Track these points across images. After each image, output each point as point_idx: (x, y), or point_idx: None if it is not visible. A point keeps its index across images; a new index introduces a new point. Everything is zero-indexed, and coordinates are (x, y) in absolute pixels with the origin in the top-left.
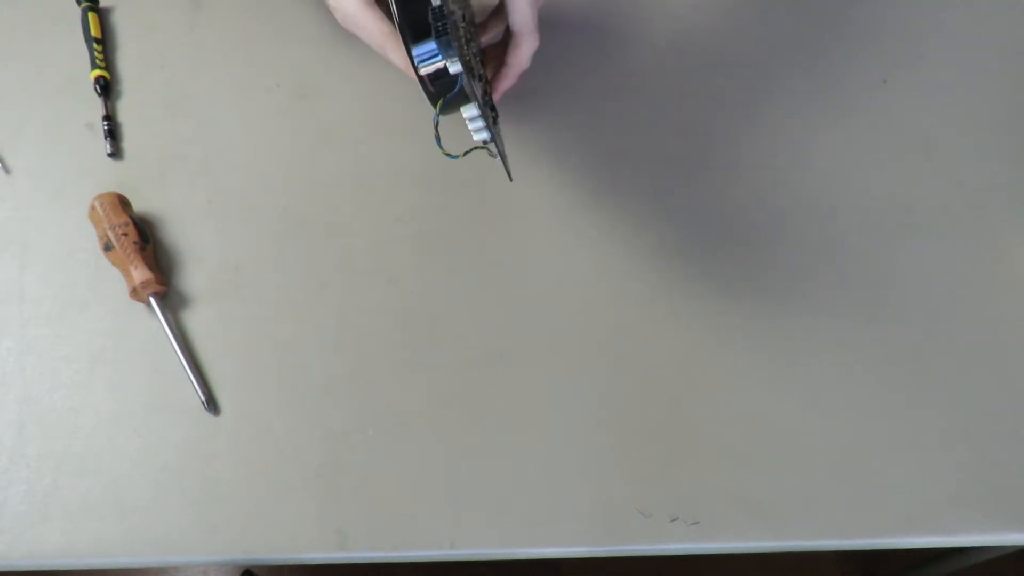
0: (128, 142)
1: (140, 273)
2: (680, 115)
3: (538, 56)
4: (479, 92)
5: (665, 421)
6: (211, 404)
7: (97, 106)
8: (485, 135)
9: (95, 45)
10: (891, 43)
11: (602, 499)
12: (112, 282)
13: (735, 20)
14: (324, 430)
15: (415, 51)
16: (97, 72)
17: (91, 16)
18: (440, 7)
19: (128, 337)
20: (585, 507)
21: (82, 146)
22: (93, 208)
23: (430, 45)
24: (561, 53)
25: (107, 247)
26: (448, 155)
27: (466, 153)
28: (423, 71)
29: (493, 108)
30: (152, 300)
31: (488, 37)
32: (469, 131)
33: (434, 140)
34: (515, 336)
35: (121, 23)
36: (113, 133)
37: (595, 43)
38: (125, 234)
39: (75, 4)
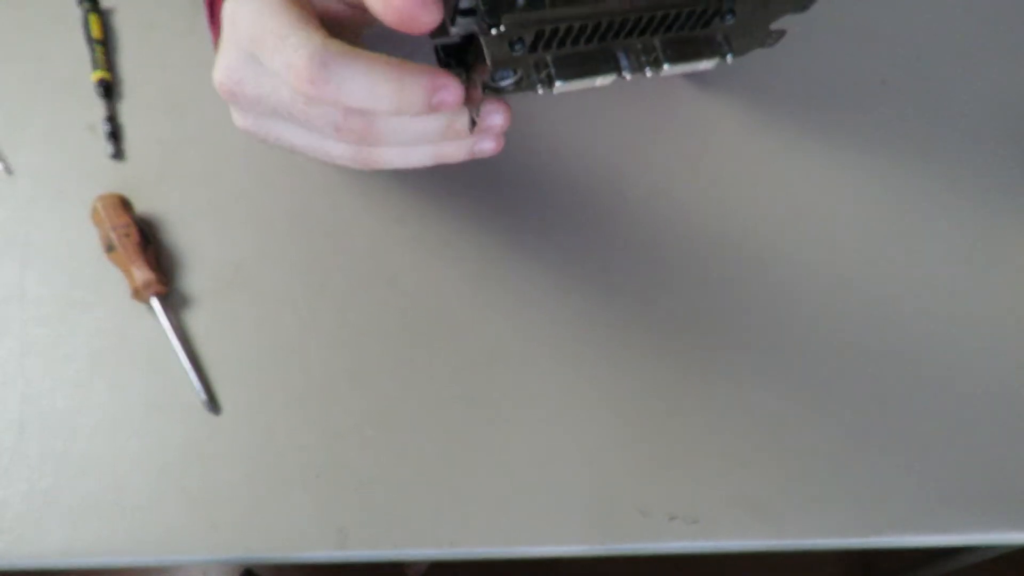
0: (130, 143)
1: (142, 274)
2: (675, 118)
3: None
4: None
5: (665, 420)
6: (212, 404)
7: (99, 107)
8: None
9: (96, 46)
10: (891, 43)
11: (601, 498)
12: (114, 283)
13: None
14: (324, 430)
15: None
16: (99, 73)
17: (92, 17)
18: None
19: (129, 337)
20: (584, 506)
21: (84, 147)
22: (95, 209)
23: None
24: None
25: (109, 248)
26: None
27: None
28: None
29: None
30: (154, 300)
31: None
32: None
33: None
34: (514, 336)
35: (122, 24)
36: (115, 134)
37: None
38: (127, 235)
39: (76, 5)
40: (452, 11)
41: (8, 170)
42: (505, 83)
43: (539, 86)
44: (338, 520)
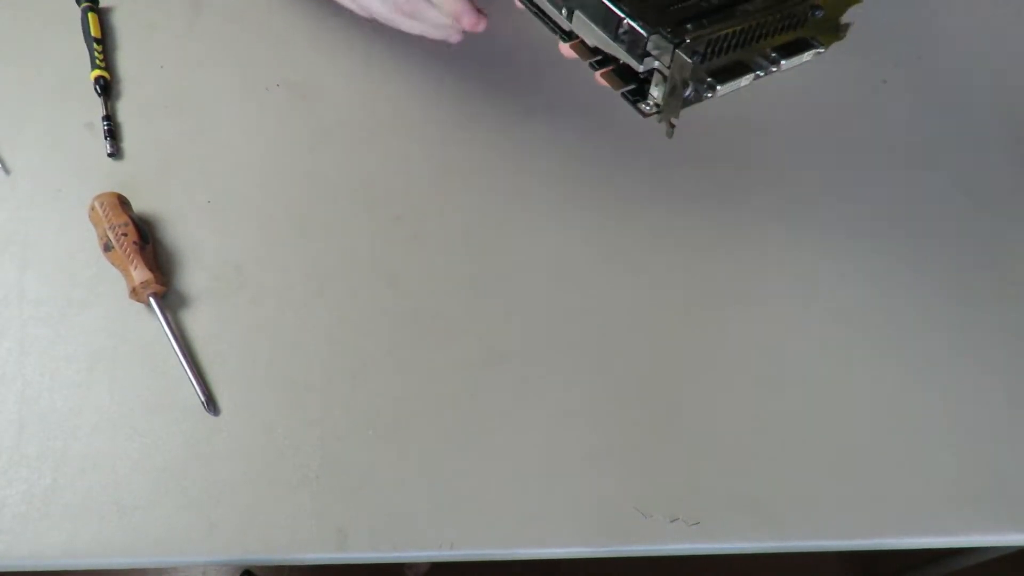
0: (128, 142)
1: (140, 273)
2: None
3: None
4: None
5: (665, 421)
6: (211, 404)
7: (97, 106)
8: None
9: (95, 45)
10: (891, 43)
11: (602, 499)
12: (112, 282)
13: None
14: (324, 430)
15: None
16: (97, 72)
17: (91, 16)
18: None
19: (128, 337)
20: (585, 507)
21: (82, 146)
22: (93, 208)
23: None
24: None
25: (107, 247)
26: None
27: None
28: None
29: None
30: (152, 300)
31: None
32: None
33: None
34: (514, 336)
35: (121, 23)
36: (113, 133)
37: None
38: (125, 234)
39: (75, 4)
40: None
41: (6, 169)
42: (685, 96)
43: (707, 93)
44: (338, 521)
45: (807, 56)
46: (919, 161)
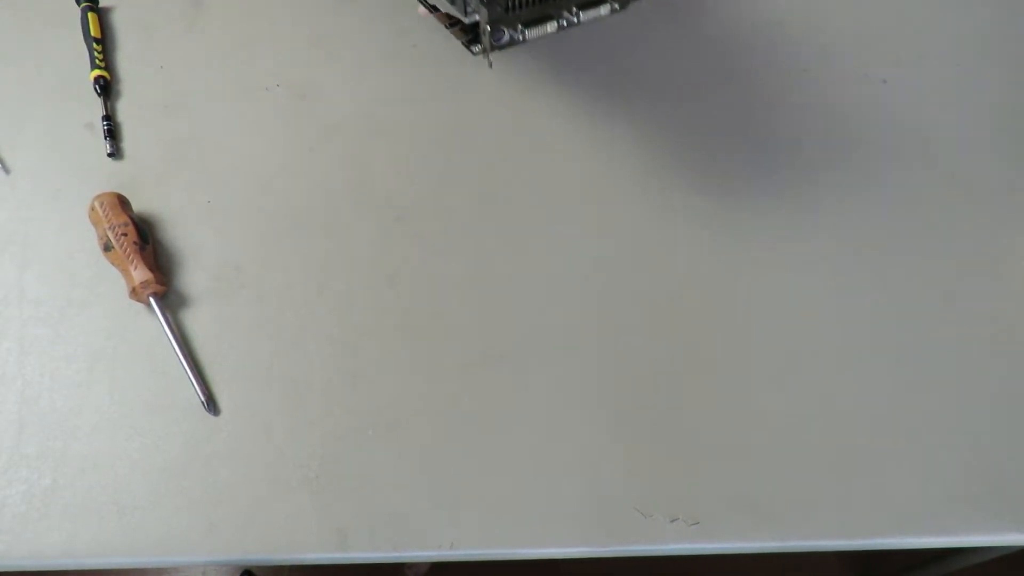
0: (128, 142)
1: (140, 273)
2: (673, 117)
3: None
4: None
5: (665, 421)
6: (211, 404)
7: (97, 106)
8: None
9: (95, 45)
10: (891, 43)
11: (602, 500)
12: (112, 282)
13: (737, 21)
14: (324, 430)
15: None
16: (97, 72)
17: (91, 16)
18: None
19: (128, 337)
20: (585, 508)
21: (82, 146)
22: (93, 208)
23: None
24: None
25: (107, 247)
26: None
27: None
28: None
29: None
30: (152, 300)
31: None
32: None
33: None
34: (514, 336)
35: (121, 23)
36: (113, 133)
37: (603, 39)
38: (125, 234)
39: (75, 4)
40: (463, 10)
41: (6, 169)
42: (501, 41)
43: (518, 35)
44: (338, 521)
45: (603, 11)
46: (919, 161)
